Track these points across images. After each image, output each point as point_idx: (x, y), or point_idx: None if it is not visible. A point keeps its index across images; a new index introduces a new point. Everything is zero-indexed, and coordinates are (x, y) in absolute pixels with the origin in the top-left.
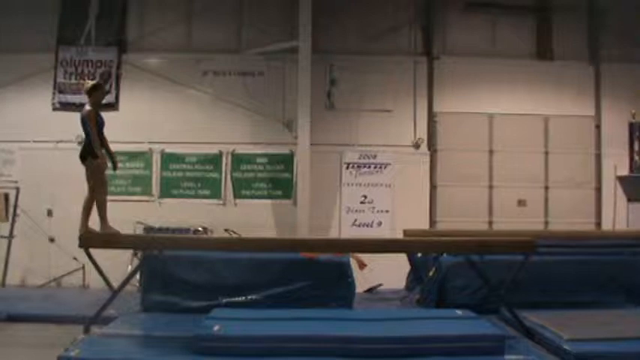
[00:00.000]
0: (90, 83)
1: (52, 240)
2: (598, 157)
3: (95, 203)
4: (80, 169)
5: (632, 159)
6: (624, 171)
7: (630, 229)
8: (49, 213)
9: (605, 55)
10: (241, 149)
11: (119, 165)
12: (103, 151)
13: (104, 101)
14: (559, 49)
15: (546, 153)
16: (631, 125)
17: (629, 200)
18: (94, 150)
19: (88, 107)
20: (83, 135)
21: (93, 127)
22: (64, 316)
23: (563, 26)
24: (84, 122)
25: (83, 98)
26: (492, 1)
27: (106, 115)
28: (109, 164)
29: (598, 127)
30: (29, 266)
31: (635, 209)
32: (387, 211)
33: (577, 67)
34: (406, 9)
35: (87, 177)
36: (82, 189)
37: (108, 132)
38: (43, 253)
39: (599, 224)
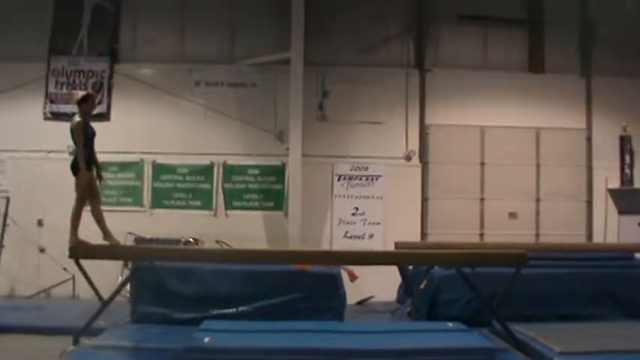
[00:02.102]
0: (80, 94)
1: (42, 250)
2: (589, 170)
3: (93, 216)
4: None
5: (622, 172)
6: (615, 184)
7: (621, 242)
8: (40, 223)
9: (597, 68)
10: (233, 160)
11: (105, 177)
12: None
13: (96, 111)
14: (551, 61)
15: (538, 165)
16: (622, 138)
17: (619, 213)
18: (86, 162)
19: (77, 118)
20: (74, 145)
21: (80, 138)
22: (54, 327)
23: (555, 39)
24: (72, 133)
25: (75, 108)
26: (484, 14)
27: (97, 125)
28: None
29: (589, 139)
30: (18, 276)
31: (625, 222)
32: (378, 224)
33: (568, 80)
34: (398, 21)
35: (75, 188)
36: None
37: (99, 142)
38: (33, 264)
39: (590, 237)
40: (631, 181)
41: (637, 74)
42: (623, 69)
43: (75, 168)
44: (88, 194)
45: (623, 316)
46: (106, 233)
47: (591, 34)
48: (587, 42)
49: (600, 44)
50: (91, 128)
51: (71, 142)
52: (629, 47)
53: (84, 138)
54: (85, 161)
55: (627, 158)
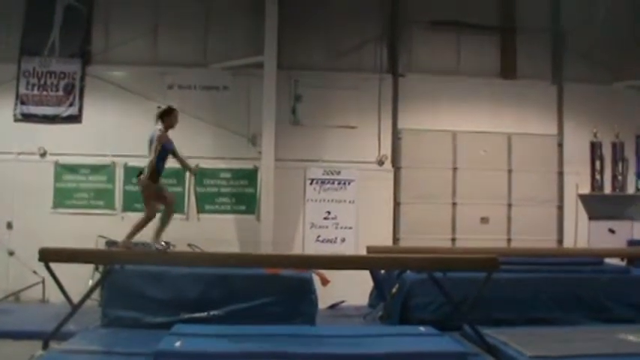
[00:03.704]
0: (162, 108)
1: (11, 253)
2: (560, 176)
3: (160, 220)
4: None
5: (593, 177)
6: (586, 189)
7: (591, 247)
8: (9, 225)
9: (568, 75)
10: (205, 164)
11: (196, 169)
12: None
13: (66, 113)
14: (522, 68)
15: (509, 171)
16: (592, 144)
17: (590, 218)
18: (154, 173)
19: (159, 129)
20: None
21: (156, 149)
22: (22, 332)
23: (527, 46)
24: (151, 143)
25: (46, 109)
26: (457, 20)
27: (68, 127)
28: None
29: (560, 145)
30: None
31: (595, 227)
32: (350, 228)
33: (540, 87)
34: (372, 26)
35: (143, 200)
36: (43, 201)
37: (70, 145)
38: (2, 267)
39: (560, 242)
40: (601, 186)
41: (607, 81)
42: (594, 76)
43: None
44: (155, 203)
45: (592, 321)
46: (130, 237)
47: (562, 41)
48: (559, 49)
49: (571, 51)
50: (171, 142)
51: (43, 144)
52: (599, 55)
53: (161, 151)
54: (153, 172)
55: (598, 164)
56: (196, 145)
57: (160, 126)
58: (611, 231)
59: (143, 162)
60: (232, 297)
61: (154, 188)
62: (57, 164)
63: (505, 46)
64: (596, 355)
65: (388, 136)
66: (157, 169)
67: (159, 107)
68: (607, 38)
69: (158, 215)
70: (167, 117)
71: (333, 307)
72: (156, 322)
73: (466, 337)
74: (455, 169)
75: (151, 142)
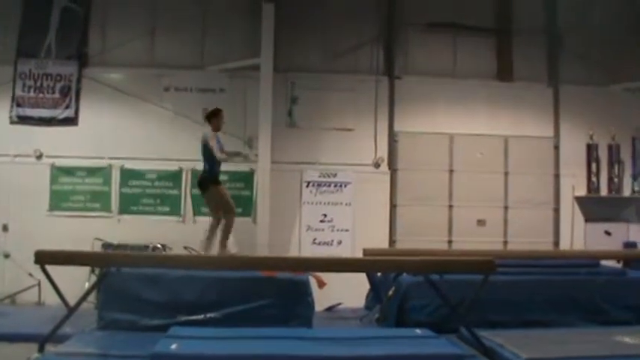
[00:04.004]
0: (209, 110)
1: (7, 256)
2: (557, 178)
3: (224, 225)
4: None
5: (589, 180)
6: (582, 192)
7: (587, 249)
8: (5, 228)
9: (564, 77)
10: (202, 166)
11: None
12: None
13: (63, 116)
14: (519, 70)
15: (506, 173)
16: (589, 147)
17: (586, 221)
18: (216, 177)
19: (209, 132)
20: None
21: (214, 145)
22: (18, 334)
23: (523, 48)
24: (205, 147)
25: (42, 112)
26: (453, 22)
27: (64, 130)
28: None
29: (557, 148)
30: None
31: (592, 229)
32: (346, 230)
33: (536, 89)
34: (368, 28)
35: (210, 204)
36: (39, 203)
37: (66, 147)
38: None
39: (557, 244)
40: (597, 189)
41: (603, 83)
42: (590, 78)
43: (205, 185)
44: (228, 205)
45: (588, 323)
46: (224, 245)
47: (559, 43)
48: (555, 51)
49: (568, 54)
50: (221, 142)
51: (39, 146)
52: (596, 57)
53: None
54: (217, 176)
55: (594, 166)
56: (193, 147)
57: (208, 130)
58: (607, 233)
59: (140, 164)
60: (229, 299)
61: (221, 191)
62: (53, 167)
63: (501, 48)
64: (592, 357)
65: (384, 138)
66: (215, 172)
67: (205, 109)
68: (603, 40)
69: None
70: (214, 118)
71: (329, 309)
72: (152, 325)
73: (462, 339)
74: (451, 171)
75: (204, 146)
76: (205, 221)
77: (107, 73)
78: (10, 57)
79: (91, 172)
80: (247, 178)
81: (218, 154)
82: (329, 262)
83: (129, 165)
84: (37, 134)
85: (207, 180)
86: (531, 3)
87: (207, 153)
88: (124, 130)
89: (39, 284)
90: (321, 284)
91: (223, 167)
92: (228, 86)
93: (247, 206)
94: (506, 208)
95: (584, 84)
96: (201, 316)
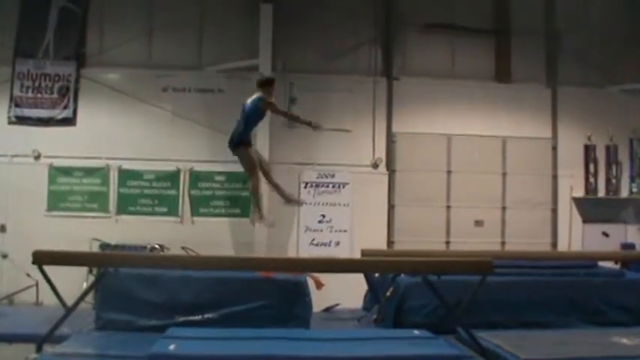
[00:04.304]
0: (264, 76)
1: (4, 256)
2: (554, 179)
3: (251, 188)
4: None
5: (587, 181)
6: (580, 193)
7: (585, 250)
8: (3, 228)
9: (562, 79)
10: (200, 167)
11: (320, 125)
12: None
13: (61, 116)
14: (517, 71)
15: (504, 174)
16: (586, 148)
17: (584, 221)
18: (247, 139)
19: (260, 95)
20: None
21: (275, 105)
22: (16, 334)
23: (522, 49)
24: (255, 108)
25: (40, 112)
26: (452, 23)
27: (62, 130)
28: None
29: (554, 149)
30: None
31: (589, 230)
32: (345, 231)
33: (534, 90)
34: (367, 29)
35: (243, 164)
36: (37, 203)
37: (64, 147)
38: None
39: (554, 245)
40: (595, 190)
41: (601, 84)
42: (588, 79)
43: (236, 145)
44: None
45: (586, 324)
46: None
47: (557, 44)
48: (553, 52)
49: (566, 55)
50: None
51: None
52: (594, 58)
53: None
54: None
55: (592, 167)
56: (191, 148)
57: (260, 93)
58: (605, 234)
59: (138, 165)
60: (226, 300)
61: (249, 153)
62: (51, 167)
63: (499, 49)
64: (589, 358)
65: (383, 139)
66: (248, 133)
67: (261, 74)
68: (601, 41)
69: None
70: (268, 86)
71: (327, 310)
72: (150, 325)
73: (460, 340)
74: (449, 172)
75: (255, 107)
76: (204, 221)
77: (105, 73)
78: (8, 57)
79: (89, 172)
80: (246, 179)
81: (282, 109)
82: (327, 262)
83: (127, 165)
84: (35, 134)
85: (238, 140)
86: (529, 4)
87: (255, 112)
88: (122, 131)
89: (37, 284)
90: (319, 285)
91: (221, 168)
92: (227, 87)
93: (245, 207)
94: (504, 209)
95: (582, 85)
96: (198, 317)
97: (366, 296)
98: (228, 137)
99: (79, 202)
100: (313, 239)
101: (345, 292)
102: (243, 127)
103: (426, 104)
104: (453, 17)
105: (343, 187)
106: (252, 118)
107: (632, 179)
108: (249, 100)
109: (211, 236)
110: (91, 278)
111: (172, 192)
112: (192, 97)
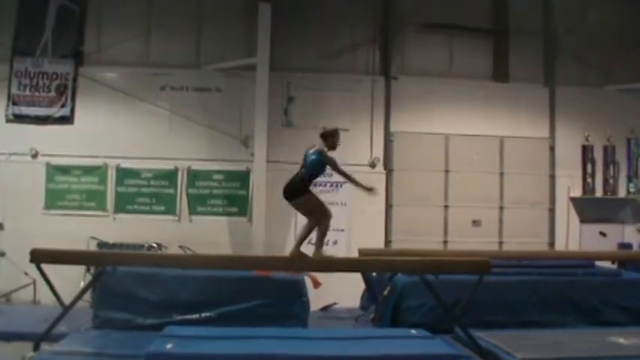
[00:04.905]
0: (329, 129)
1: (2, 254)
2: (552, 179)
3: (319, 230)
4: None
5: (585, 181)
6: (577, 192)
7: (582, 249)
8: (0, 227)
9: (560, 79)
10: (197, 165)
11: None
12: None
13: (59, 114)
14: (515, 71)
15: (501, 174)
16: (584, 147)
17: (581, 221)
18: (306, 187)
19: (322, 148)
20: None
21: (335, 163)
22: (13, 333)
23: (520, 49)
24: (318, 162)
25: (38, 110)
26: (450, 23)
27: (60, 128)
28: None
29: (552, 148)
30: None
31: (587, 230)
32: (342, 230)
33: (532, 90)
34: (365, 29)
35: (300, 210)
36: (34, 202)
37: (62, 146)
38: None
39: (552, 244)
40: (593, 189)
41: (599, 84)
42: (586, 79)
43: (293, 195)
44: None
45: (583, 324)
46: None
47: (555, 44)
48: (551, 52)
49: (563, 55)
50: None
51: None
52: (591, 58)
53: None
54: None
55: (589, 167)
56: (188, 146)
57: (321, 145)
58: (603, 234)
59: (136, 163)
60: (224, 299)
61: (316, 197)
62: (49, 165)
63: (497, 49)
64: (586, 357)
65: (380, 138)
66: (308, 179)
67: (324, 128)
68: (599, 41)
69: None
70: (331, 138)
71: (325, 309)
72: (147, 324)
73: (458, 339)
74: (447, 171)
75: (319, 160)
76: (201, 220)
77: (103, 72)
78: (5, 55)
79: (87, 170)
80: (243, 178)
81: (343, 169)
82: (324, 262)
83: (124, 164)
84: (33, 133)
85: (300, 187)
86: (527, 4)
87: (317, 165)
88: (120, 129)
89: (34, 283)
90: (317, 284)
91: (219, 166)
92: (225, 86)
93: (243, 206)
94: (501, 208)
95: (579, 85)
96: (196, 316)
97: (363, 295)
98: (284, 186)
99: (76, 201)
100: (311, 239)
101: (343, 291)
102: (307, 175)
103: (424, 104)
104: (452, 17)
105: (341, 186)
106: (314, 170)
107: (630, 179)
108: (311, 151)
109: (209, 235)
110: (89, 277)
111: (170, 191)
112: (190, 95)
